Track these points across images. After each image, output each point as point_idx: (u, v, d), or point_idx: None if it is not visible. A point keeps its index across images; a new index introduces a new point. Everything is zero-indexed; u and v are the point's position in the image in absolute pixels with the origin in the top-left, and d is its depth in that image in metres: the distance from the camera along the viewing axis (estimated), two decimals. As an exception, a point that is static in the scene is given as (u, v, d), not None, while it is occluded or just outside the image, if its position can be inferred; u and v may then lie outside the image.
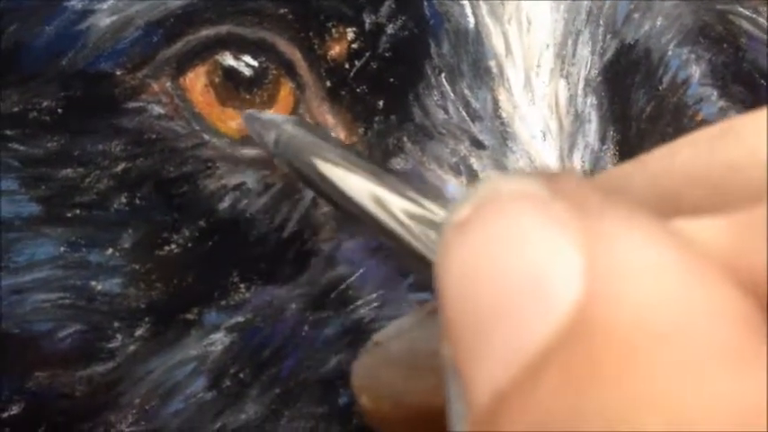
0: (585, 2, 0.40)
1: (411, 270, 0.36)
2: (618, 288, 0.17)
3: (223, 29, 0.37)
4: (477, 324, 0.17)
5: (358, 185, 0.27)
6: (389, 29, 0.38)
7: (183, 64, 0.38)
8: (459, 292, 0.18)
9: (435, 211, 0.24)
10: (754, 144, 0.20)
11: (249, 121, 0.36)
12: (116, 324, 0.38)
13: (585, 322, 0.17)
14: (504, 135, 0.38)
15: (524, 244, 0.18)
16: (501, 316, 0.17)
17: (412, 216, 0.24)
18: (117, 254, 0.38)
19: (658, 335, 0.16)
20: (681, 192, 0.21)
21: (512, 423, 0.17)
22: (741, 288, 0.17)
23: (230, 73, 0.38)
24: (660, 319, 0.16)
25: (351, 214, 0.27)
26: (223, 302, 0.38)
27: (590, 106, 0.39)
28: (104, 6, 0.37)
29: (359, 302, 0.37)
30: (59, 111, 0.38)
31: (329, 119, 0.38)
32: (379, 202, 0.25)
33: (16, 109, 0.38)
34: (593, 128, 0.39)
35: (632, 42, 0.41)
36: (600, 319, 0.17)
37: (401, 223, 0.24)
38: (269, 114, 0.37)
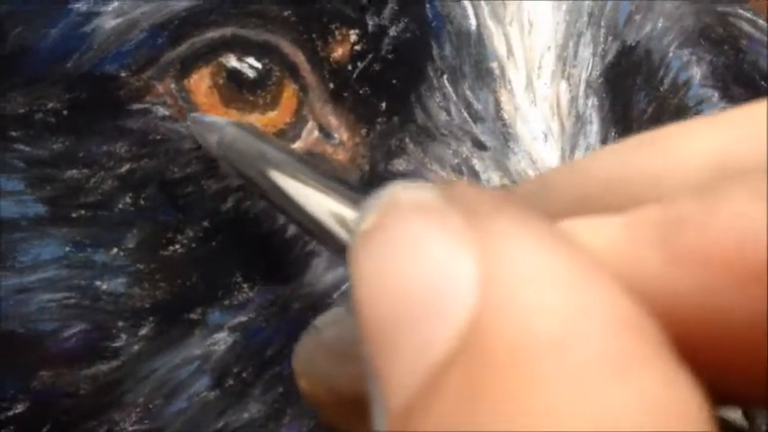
0: (587, 3, 0.40)
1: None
2: (506, 297, 0.17)
3: (227, 31, 0.38)
4: (385, 332, 0.18)
5: (316, 200, 0.27)
6: (392, 31, 0.38)
7: (187, 66, 0.38)
8: (368, 299, 0.18)
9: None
10: (675, 153, 0.20)
11: (193, 124, 0.37)
12: (120, 323, 0.38)
13: (479, 332, 0.17)
14: (505, 136, 0.38)
15: (422, 254, 0.18)
16: (405, 325, 0.18)
17: (340, 219, 0.25)
18: (121, 254, 0.38)
19: (543, 344, 0.16)
20: (599, 195, 0.21)
21: (423, 427, 0.17)
22: (628, 293, 0.17)
23: (234, 75, 0.38)
24: (545, 327, 0.17)
25: (301, 225, 0.27)
26: (226, 302, 0.38)
27: (591, 108, 0.39)
28: (109, 9, 0.38)
29: (361, 302, 0.37)
30: (65, 112, 0.38)
31: (332, 120, 0.39)
32: (337, 218, 0.25)
33: (22, 110, 0.38)
34: (594, 129, 0.39)
35: (633, 44, 0.41)
36: (491, 328, 0.17)
37: (348, 231, 0.25)
38: (211, 116, 0.37)
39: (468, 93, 0.38)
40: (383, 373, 0.18)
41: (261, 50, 0.38)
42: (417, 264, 0.18)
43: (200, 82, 0.38)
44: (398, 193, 0.19)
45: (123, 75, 0.38)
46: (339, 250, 0.25)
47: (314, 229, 0.26)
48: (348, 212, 0.25)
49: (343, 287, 0.37)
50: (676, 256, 0.18)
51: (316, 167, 0.29)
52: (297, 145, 0.38)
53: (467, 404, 0.17)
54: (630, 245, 0.18)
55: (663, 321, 0.17)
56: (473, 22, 0.39)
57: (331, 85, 0.38)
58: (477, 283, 0.17)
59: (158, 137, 0.38)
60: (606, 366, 0.16)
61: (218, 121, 0.35)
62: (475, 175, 0.38)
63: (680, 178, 0.20)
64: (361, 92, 0.38)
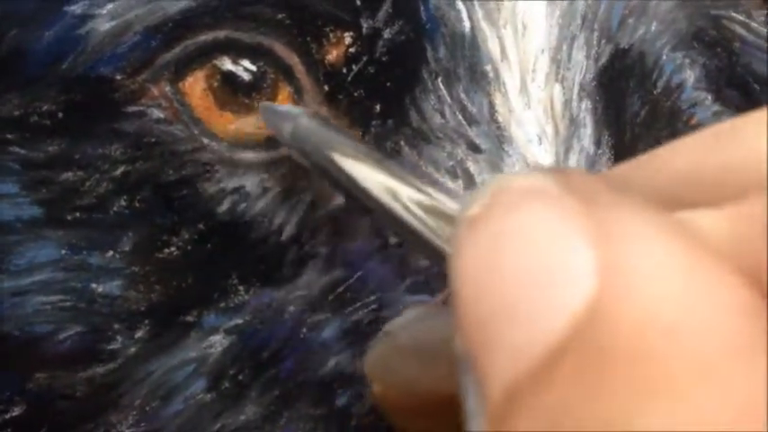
0: (580, 7, 0.40)
1: (410, 271, 0.37)
2: (628, 284, 0.17)
3: (221, 34, 0.38)
4: (491, 320, 0.18)
5: (373, 178, 0.27)
6: (386, 33, 0.38)
7: (181, 68, 0.38)
8: (473, 288, 0.18)
9: (448, 204, 0.24)
10: (751, 145, 0.20)
11: (265, 113, 0.37)
12: (116, 326, 0.38)
13: (598, 318, 0.17)
14: (500, 139, 0.38)
15: (537, 240, 0.18)
16: (515, 312, 0.17)
17: (425, 208, 0.25)
18: (117, 256, 0.38)
19: (666, 330, 0.16)
20: (679, 192, 0.21)
21: (526, 417, 0.17)
22: (744, 279, 0.17)
23: (229, 77, 0.38)
24: (668, 314, 0.17)
25: (364, 206, 0.28)
26: (222, 305, 0.38)
27: (585, 110, 0.39)
28: (104, 11, 0.38)
29: (357, 305, 0.37)
30: (60, 115, 0.38)
31: (327, 123, 0.39)
32: (392, 193, 0.26)
33: (17, 113, 0.38)
34: (588, 132, 0.39)
35: (627, 47, 0.41)
36: (611, 314, 0.17)
37: (414, 215, 0.25)
38: (284, 106, 0.37)
39: (462, 95, 0.39)
40: (482, 365, 0.18)
41: (255, 53, 0.38)
42: (530, 250, 0.18)
43: (195, 84, 0.38)
44: (509, 179, 0.19)
45: (118, 77, 0.38)
46: (410, 234, 0.25)
47: (383, 214, 0.27)
48: (420, 197, 0.25)
49: (339, 289, 0.37)
50: None
51: (384, 158, 0.29)
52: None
53: (584, 390, 0.16)
54: (737, 236, 0.18)
55: None
56: (467, 24, 0.39)
57: (326, 88, 0.38)
58: (597, 270, 0.17)
59: (153, 139, 0.38)
60: (732, 351, 0.16)
61: (291, 111, 0.35)
62: (469, 177, 0.38)
63: (762, 170, 0.20)
64: (355, 94, 0.38)
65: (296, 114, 0.34)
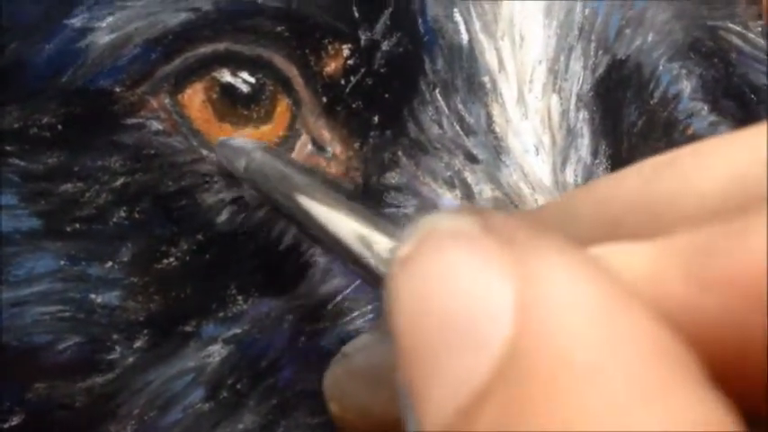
0: (577, 18, 0.40)
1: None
2: (543, 325, 0.17)
3: (221, 46, 0.38)
4: (423, 358, 0.18)
5: (343, 225, 0.27)
6: (384, 45, 0.38)
7: (181, 80, 0.38)
8: (406, 327, 0.19)
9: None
10: (694, 174, 0.20)
11: (220, 148, 0.37)
12: (115, 336, 0.38)
13: (516, 360, 0.17)
14: (497, 149, 0.38)
15: (460, 282, 0.18)
16: (443, 352, 0.18)
17: (382, 247, 0.25)
18: (116, 267, 0.38)
19: (579, 373, 0.17)
20: (622, 219, 0.21)
21: None
22: (658, 319, 0.18)
23: (228, 89, 0.38)
24: (582, 355, 0.17)
25: (326, 248, 0.28)
26: (221, 314, 0.38)
27: (582, 121, 0.40)
28: (104, 24, 0.38)
29: (354, 314, 0.37)
30: (59, 127, 0.38)
31: (325, 134, 0.39)
32: (364, 242, 0.26)
33: (17, 125, 0.38)
34: (585, 142, 0.39)
35: (624, 58, 0.41)
36: (528, 356, 0.17)
37: (374, 255, 0.25)
38: (239, 140, 0.37)
39: (460, 106, 0.39)
40: (421, 399, 0.18)
41: (254, 65, 0.38)
42: (455, 290, 0.18)
43: (194, 96, 0.38)
44: (436, 221, 0.20)
45: (117, 90, 0.38)
46: (365, 272, 0.25)
47: (340, 250, 0.27)
48: (373, 235, 0.26)
49: (337, 299, 0.38)
50: (704, 283, 0.18)
51: (339, 191, 0.29)
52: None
53: (505, 430, 0.17)
54: (659, 272, 0.19)
55: (696, 344, 0.18)
56: (465, 36, 0.39)
57: (324, 99, 0.39)
58: (514, 310, 0.18)
59: (152, 151, 0.38)
60: (642, 392, 0.17)
61: (245, 146, 0.36)
62: (467, 187, 0.38)
63: (700, 201, 0.20)
64: (353, 106, 0.39)
65: (250, 149, 0.34)
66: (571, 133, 0.39)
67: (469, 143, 0.38)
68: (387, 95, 0.39)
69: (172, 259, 0.38)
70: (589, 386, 0.17)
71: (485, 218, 0.19)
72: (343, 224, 0.27)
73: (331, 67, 0.38)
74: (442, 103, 0.39)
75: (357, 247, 0.26)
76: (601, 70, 0.40)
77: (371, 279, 0.26)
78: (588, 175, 0.39)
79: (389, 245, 0.25)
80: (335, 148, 0.39)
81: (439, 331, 0.18)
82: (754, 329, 0.18)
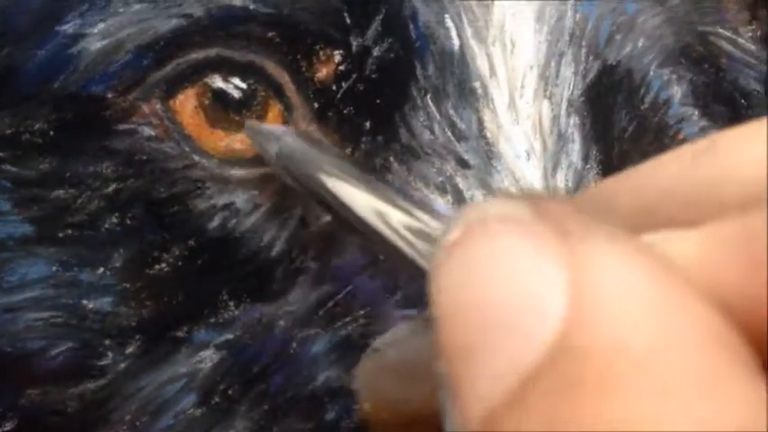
0: (568, 24, 0.41)
1: (400, 286, 0.37)
2: (597, 312, 0.17)
3: (212, 52, 0.38)
4: (468, 346, 0.18)
5: (362, 200, 0.28)
6: (376, 51, 0.39)
7: (172, 86, 0.38)
8: (451, 313, 0.18)
9: (436, 227, 0.25)
10: (733, 160, 0.20)
11: (251, 133, 0.37)
12: (107, 342, 0.38)
13: (568, 346, 0.17)
14: (488, 155, 0.39)
15: (510, 268, 0.18)
16: (490, 339, 0.18)
17: (414, 231, 0.25)
18: (108, 273, 0.38)
19: (634, 360, 0.17)
20: (661, 206, 0.21)
21: None
22: (713, 307, 0.18)
23: (219, 95, 0.38)
24: (636, 343, 0.17)
25: (353, 227, 0.28)
26: (212, 320, 0.38)
27: (573, 126, 0.40)
28: (95, 30, 0.38)
29: (347, 319, 0.37)
30: (51, 133, 0.38)
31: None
32: (382, 217, 0.26)
33: (9, 131, 0.38)
34: (576, 147, 0.39)
35: (614, 63, 0.41)
36: (581, 343, 0.17)
37: (404, 238, 0.25)
38: (270, 126, 0.37)
39: (451, 112, 0.39)
40: (461, 389, 0.18)
41: (246, 71, 0.38)
42: (505, 276, 0.18)
43: (186, 102, 0.38)
44: (485, 206, 0.19)
45: (109, 96, 0.38)
46: (399, 256, 0.25)
47: (367, 231, 0.27)
48: (409, 220, 0.26)
49: (329, 305, 0.38)
50: (759, 268, 0.18)
51: (373, 178, 0.30)
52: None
53: (554, 416, 0.17)
54: (711, 258, 0.19)
55: (747, 330, 0.18)
56: (456, 42, 0.39)
57: (316, 105, 0.39)
58: (568, 297, 0.17)
59: (144, 157, 0.38)
60: (696, 382, 0.17)
61: (276, 131, 0.36)
62: (459, 193, 0.38)
63: (741, 188, 0.20)
64: (345, 111, 0.39)
65: (281, 134, 0.35)
66: (562, 138, 0.39)
67: (461, 149, 0.39)
68: (378, 101, 0.39)
69: (164, 265, 0.38)
70: (644, 374, 0.17)
71: (536, 204, 0.19)
72: (368, 203, 0.27)
73: (322, 72, 0.39)
74: (433, 108, 0.39)
75: (378, 225, 0.26)
76: (591, 76, 0.41)
77: (392, 254, 0.26)
78: (579, 181, 0.39)
79: (409, 221, 0.25)
80: (327, 153, 0.39)
81: (486, 319, 0.18)
82: None
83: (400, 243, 0.25)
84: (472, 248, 0.19)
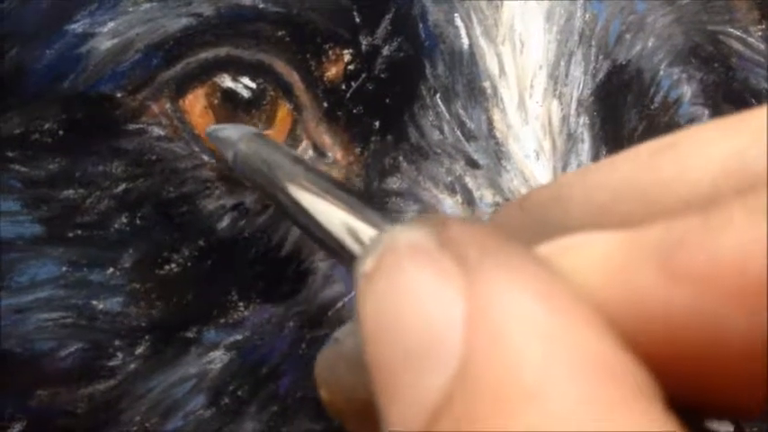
0: (578, 23, 0.41)
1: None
2: (491, 343, 0.18)
3: (222, 51, 0.38)
4: (390, 370, 0.19)
5: (332, 215, 0.27)
6: (385, 50, 0.38)
7: (182, 86, 0.38)
8: (373, 339, 0.19)
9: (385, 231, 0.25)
10: (687, 161, 0.20)
11: (211, 138, 0.37)
12: (117, 342, 0.38)
13: (467, 377, 0.18)
14: (498, 154, 0.38)
15: (417, 299, 0.19)
16: (407, 366, 0.18)
17: (369, 237, 0.25)
18: (118, 273, 0.38)
19: (524, 393, 0.17)
20: (612, 204, 0.21)
21: None
22: (609, 334, 0.18)
23: (229, 95, 0.38)
24: (526, 376, 0.17)
25: (306, 229, 0.28)
26: (222, 321, 0.38)
27: (583, 126, 0.40)
28: (105, 30, 0.38)
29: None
30: (61, 132, 0.38)
31: (326, 139, 0.39)
32: (353, 233, 0.26)
33: (18, 131, 0.38)
34: (585, 147, 0.39)
35: (624, 63, 0.41)
36: (478, 374, 0.17)
37: (360, 244, 0.25)
38: (229, 128, 0.37)
39: (460, 111, 0.39)
40: (386, 411, 0.18)
41: (255, 70, 0.38)
42: (412, 308, 0.18)
43: (195, 102, 0.38)
44: (395, 235, 0.20)
45: (119, 95, 0.38)
46: (349, 261, 0.25)
47: (326, 240, 0.27)
48: (359, 225, 0.26)
49: (338, 305, 0.38)
50: (675, 275, 0.18)
51: (327, 179, 0.29)
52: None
53: None
54: (632, 262, 0.19)
55: (659, 339, 0.18)
56: (466, 41, 0.39)
57: (325, 105, 0.39)
58: (464, 328, 0.18)
59: (154, 157, 0.38)
60: (584, 412, 0.17)
61: (232, 137, 0.35)
62: (468, 192, 0.38)
63: (693, 186, 0.20)
64: (354, 111, 0.39)
65: (237, 139, 0.34)
66: (572, 138, 0.39)
67: (470, 148, 0.38)
68: (387, 100, 0.39)
69: (173, 265, 0.38)
70: (535, 405, 0.17)
71: (442, 229, 0.20)
72: (329, 212, 0.27)
73: (332, 72, 0.38)
74: (442, 108, 0.39)
75: (342, 235, 0.26)
76: (601, 75, 0.41)
77: (348, 260, 0.26)
78: (589, 180, 0.39)
79: (374, 234, 0.26)
80: (336, 153, 0.39)
81: (399, 347, 0.18)
82: (724, 325, 0.18)
83: (356, 249, 0.25)
84: (384, 279, 0.19)
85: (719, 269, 0.18)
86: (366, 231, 0.26)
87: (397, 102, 0.39)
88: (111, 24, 0.38)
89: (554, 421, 0.17)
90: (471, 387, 0.17)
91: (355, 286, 0.20)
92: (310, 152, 0.39)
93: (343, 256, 0.26)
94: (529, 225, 0.23)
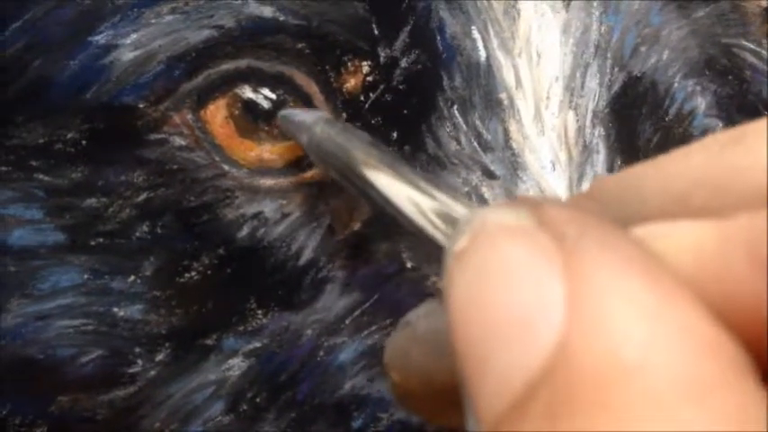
0: (594, 36, 0.41)
1: (426, 293, 0.37)
2: (593, 321, 0.18)
3: (242, 63, 0.38)
4: (477, 351, 0.19)
5: (394, 188, 0.28)
6: (403, 62, 0.39)
7: (203, 97, 0.39)
8: (462, 319, 0.19)
9: (461, 212, 0.25)
10: (758, 151, 0.20)
11: (284, 122, 0.37)
12: (137, 349, 0.38)
13: (566, 357, 0.18)
14: (514, 165, 0.39)
15: (512, 277, 0.19)
16: (496, 346, 0.18)
17: (441, 216, 0.26)
18: (138, 281, 0.39)
19: (626, 369, 0.17)
20: (690, 193, 0.21)
21: None
22: (706, 312, 0.18)
23: (249, 105, 0.39)
24: (628, 353, 0.17)
25: (383, 210, 0.29)
26: (241, 328, 0.38)
27: (598, 137, 0.40)
28: (128, 41, 0.38)
29: (373, 328, 0.38)
30: (83, 142, 0.39)
31: (344, 150, 0.39)
32: (416, 205, 0.27)
33: (42, 141, 0.39)
34: (601, 158, 0.40)
35: (639, 75, 0.41)
36: (578, 353, 0.18)
37: (433, 224, 0.26)
38: (302, 112, 0.37)
39: (477, 123, 0.39)
40: (473, 391, 0.19)
41: (275, 82, 0.39)
42: (508, 287, 0.19)
43: (217, 113, 0.39)
44: (489, 214, 0.20)
45: (141, 106, 0.38)
46: (428, 242, 0.26)
47: (403, 222, 0.27)
48: (435, 205, 0.26)
49: (355, 313, 0.38)
50: (764, 265, 0.18)
51: (402, 162, 0.30)
52: (309, 174, 0.39)
53: (552, 424, 0.17)
54: (721, 252, 0.19)
55: (749, 327, 0.18)
56: (483, 53, 0.40)
57: (344, 115, 0.39)
58: (565, 307, 0.18)
59: (175, 166, 0.39)
60: (685, 390, 0.17)
61: (307, 120, 0.36)
62: (485, 203, 0.38)
63: (760, 184, 0.20)
64: (373, 122, 0.39)
65: (311, 123, 0.35)
66: (587, 149, 0.40)
67: (487, 159, 0.39)
68: (405, 112, 0.39)
69: (193, 273, 0.38)
70: (636, 384, 0.17)
71: (539, 210, 0.20)
72: (405, 194, 0.28)
73: (351, 83, 0.39)
74: (459, 119, 0.39)
75: (418, 217, 0.27)
76: (616, 87, 0.41)
77: (427, 242, 0.26)
78: (604, 191, 0.39)
79: (442, 209, 0.26)
80: (354, 163, 0.39)
81: (492, 326, 0.18)
82: None
83: (432, 231, 0.26)
84: (478, 258, 0.19)
85: None
86: (443, 212, 0.26)
87: (415, 113, 0.39)
88: (133, 36, 0.38)
89: (655, 399, 0.17)
90: (571, 363, 0.17)
91: (443, 266, 0.20)
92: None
93: (421, 238, 0.26)
94: (603, 214, 0.22)
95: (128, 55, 0.38)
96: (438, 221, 0.26)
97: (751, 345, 0.18)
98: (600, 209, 0.22)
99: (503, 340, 0.18)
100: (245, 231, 0.39)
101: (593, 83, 0.40)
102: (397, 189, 0.28)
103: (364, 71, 0.39)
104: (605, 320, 0.18)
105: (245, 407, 0.38)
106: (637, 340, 0.17)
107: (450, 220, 0.26)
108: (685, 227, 0.20)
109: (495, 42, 0.40)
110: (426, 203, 0.27)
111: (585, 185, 0.39)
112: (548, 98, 0.40)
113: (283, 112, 0.38)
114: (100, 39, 0.39)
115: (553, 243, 0.19)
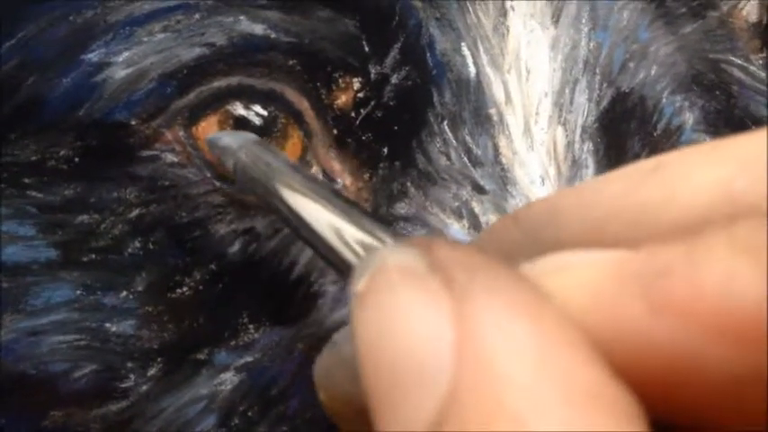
0: (582, 52, 0.41)
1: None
2: (479, 367, 0.18)
3: (234, 80, 0.39)
4: (383, 390, 0.19)
5: (317, 215, 0.28)
6: (394, 79, 0.39)
7: (195, 114, 0.39)
8: (367, 358, 0.19)
9: (387, 241, 0.25)
10: (677, 184, 0.20)
11: (211, 147, 0.37)
12: (129, 364, 0.39)
13: (456, 400, 0.18)
14: (504, 180, 0.39)
15: (407, 323, 0.19)
16: (400, 387, 0.19)
17: (364, 245, 0.25)
18: (131, 296, 0.39)
19: (513, 417, 0.17)
20: (606, 223, 0.21)
21: None
22: (597, 362, 0.18)
23: (241, 122, 0.39)
24: (513, 402, 0.17)
25: (306, 240, 0.28)
26: (233, 343, 0.39)
27: (587, 152, 0.40)
28: (120, 59, 0.39)
29: (364, 343, 0.38)
30: (76, 159, 0.39)
31: (336, 165, 0.40)
32: (336, 231, 0.26)
33: (34, 158, 0.39)
34: (590, 173, 0.40)
35: (627, 90, 0.42)
36: (466, 397, 0.18)
37: (354, 252, 0.25)
38: (228, 137, 0.37)
39: (467, 138, 0.39)
40: (382, 424, 0.19)
41: (267, 98, 0.39)
42: (404, 332, 0.19)
43: (208, 129, 0.39)
44: (387, 254, 0.20)
45: (133, 123, 0.39)
46: (344, 270, 0.26)
47: (321, 249, 0.27)
48: (354, 233, 0.26)
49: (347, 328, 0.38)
50: (656, 305, 0.18)
51: (325, 187, 0.30)
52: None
53: None
54: (615, 289, 0.19)
55: (643, 364, 0.18)
56: (472, 69, 0.40)
57: (335, 132, 0.39)
58: (453, 354, 0.18)
59: (167, 183, 0.39)
60: None
61: (231, 145, 0.36)
62: (474, 217, 0.39)
63: (682, 210, 0.20)
64: (363, 138, 0.39)
65: (237, 148, 0.35)
66: (576, 164, 0.40)
67: (477, 174, 0.39)
68: (396, 127, 0.39)
69: (185, 289, 0.39)
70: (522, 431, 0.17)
71: (430, 251, 0.20)
72: (325, 220, 0.27)
73: (341, 99, 0.39)
74: (449, 134, 0.39)
75: (336, 243, 0.26)
76: (605, 102, 0.41)
77: (344, 270, 0.26)
78: (593, 206, 0.39)
79: (363, 237, 0.26)
80: (346, 179, 0.40)
81: (391, 369, 0.19)
82: (706, 354, 0.18)
83: (352, 258, 0.25)
84: (376, 300, 0.19)
85: (700, 303, 0.17)
86: (362, 240, 0.26)
87: (405, 129, 0.39)
88: (126, 54, 0.39)
89: None
90: (460, 412, 0.18)
91: (349, 304, 0.20)
92: (320, 177, 0.40)
93: (337, 265, 0.26)
94: (522, 239, 0.22)
95: (120, 73, 0.39)
96: (358, 248, 0.25)
97: (647, 386, 0.18)
98: (520, 234, 0.22)
99: (400, 384, 0.18)
100: (236, 246, 0.39)
101: (582, 98, 0.41)
102: (318, 215, 0.28)
103: (355, 88, 0.39)
104: (490, 367, 0.18)
105: (236, 421, 0.38)
106: (521, 388, 0.17)
107: (370, 249, 0.25)
108: (584, 259, 0.19)
109: (484, 59, 0.40)
110: (347, 230, 0.26)
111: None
112: (537, 114, 0.40)
113: (209, 136, 0.38)
114: (92, 57, 0.39)
115: (442, 287, 0.19)
